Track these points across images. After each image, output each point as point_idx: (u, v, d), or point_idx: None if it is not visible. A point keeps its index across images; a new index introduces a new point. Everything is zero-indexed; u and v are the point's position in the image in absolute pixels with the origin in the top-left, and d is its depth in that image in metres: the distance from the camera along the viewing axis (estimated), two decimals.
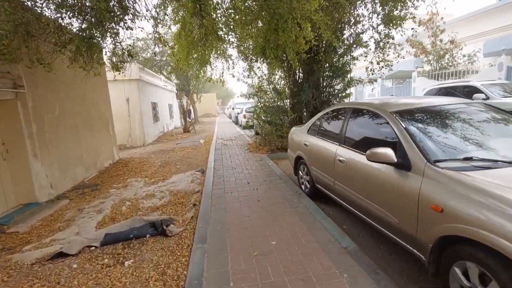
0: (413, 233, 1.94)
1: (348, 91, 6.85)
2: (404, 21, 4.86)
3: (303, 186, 4.26)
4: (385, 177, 2.24)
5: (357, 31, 6.02)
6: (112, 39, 3.78)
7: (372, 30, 5.23)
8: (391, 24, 4.82)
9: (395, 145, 2.19)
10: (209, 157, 7.26)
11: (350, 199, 2.78)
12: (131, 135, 11.72)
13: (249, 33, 4.39)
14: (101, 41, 3.79)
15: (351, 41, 6.22)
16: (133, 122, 11.68)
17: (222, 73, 9.41)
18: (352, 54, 6.24)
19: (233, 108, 22.89)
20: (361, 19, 5.80)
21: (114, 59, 4.45)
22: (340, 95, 6.88)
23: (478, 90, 7.91)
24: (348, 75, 6.80)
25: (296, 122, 7.52)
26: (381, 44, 5.45)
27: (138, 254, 2.78)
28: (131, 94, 11.52)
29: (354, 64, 6.40)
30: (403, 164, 2.07)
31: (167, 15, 5.92)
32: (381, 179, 2.28)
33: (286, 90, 7.30)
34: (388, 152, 2.10)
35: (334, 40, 5.18)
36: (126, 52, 4.07)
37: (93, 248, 2.99)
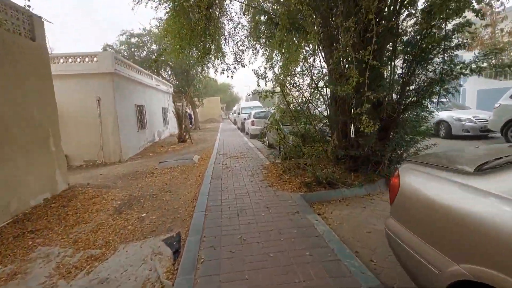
0: None
1: (451, 85, 3.76)
2: None
3: None
4: None
5: None
6: None
7: None
8: None
9: None
10: (199, 197, 4.19)
11: None
12: (103, 147, 8.76)
13: None
14: None
15: None
16: (106, 130, 8.72)
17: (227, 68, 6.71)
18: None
19: (238, 113, 19.87)
20: None
21: None
22: (435, 90, 3.79)
23: None
24: (449, 57, 3.72)
25: (340, 139, 4.44)
26: None
27: None
28: (104, 93, 8.59)
29: (485, 28, 3.26)
30: None
31: None
32: None
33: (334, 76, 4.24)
34: None
35: None
36: None
37: None
